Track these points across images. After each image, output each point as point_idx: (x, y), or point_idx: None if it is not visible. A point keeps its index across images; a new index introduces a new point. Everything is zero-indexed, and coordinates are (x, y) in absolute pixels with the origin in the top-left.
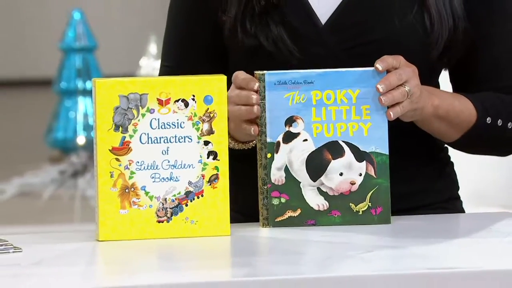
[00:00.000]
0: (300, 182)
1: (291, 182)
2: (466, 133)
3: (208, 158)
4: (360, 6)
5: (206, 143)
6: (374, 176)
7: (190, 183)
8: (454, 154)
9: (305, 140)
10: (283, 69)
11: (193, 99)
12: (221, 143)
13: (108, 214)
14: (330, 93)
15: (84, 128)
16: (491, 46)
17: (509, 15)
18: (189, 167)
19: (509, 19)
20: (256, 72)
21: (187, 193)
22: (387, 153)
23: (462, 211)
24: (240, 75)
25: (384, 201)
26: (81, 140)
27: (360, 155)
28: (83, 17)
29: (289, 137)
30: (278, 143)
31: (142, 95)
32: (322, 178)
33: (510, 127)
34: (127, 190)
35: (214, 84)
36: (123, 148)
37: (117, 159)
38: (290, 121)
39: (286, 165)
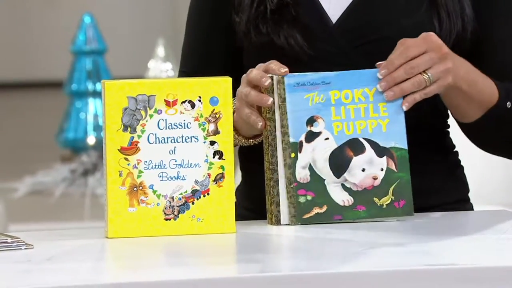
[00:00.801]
0: (325, 180)
1: (316, 179)
2: (486, 114)
3: (214, 157)
4: (369, 6)
5: (212, 143)
6: (395, 170)
7: (196, 182)
8: None
9: (327, 138)
10: (294, 65)
11: (200, 100)
12: (227, 143)
13: (117, 212)
14: (347, 93)
15: (94, 128)
16: (500, 49)
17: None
18: (196, 166)
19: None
20: (275, 76)
21: (194, 192)
22: (406, 147)
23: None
24: (251, 72)
25: (406, 194)
26: (91, 140)
27: (380, 151)
28: (93, 21)
29: (311, 136)
30: (301, 142)
31: (150, 96)
32: (345, 175)
33: None
34: (135, 189)
35: (219, 86)
36: (131, 148)
37: (126, 159)
38: (311, 121)
39: (310, 164)
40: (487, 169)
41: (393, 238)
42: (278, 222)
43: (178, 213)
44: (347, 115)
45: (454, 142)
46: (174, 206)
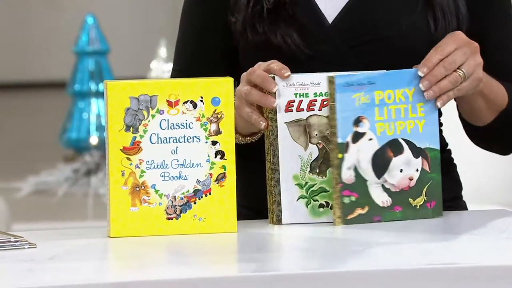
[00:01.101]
0: (367, 180)
1: (360, 180)
2: (499, 115)
3: (215, 157)
4: (365, 7)
5: (214, 143)
6: (429, 171)
7: (198, 181)
8: (454, 152)
9: (371, 139)
10: (291, 64)
11: (201, 101)
12: (228, 143)
13: (119, 211)
14: (390, 93)
15: (96, 128)
16: (498, 49)
17: (507, 18)
18: (197, 166)
19: (508, 22)
20: (327, 75)
21: (196, 191)
22: (439, 148)
23: (466, 210)
24: (256, 70)
25: (437, 194)
26: (94, 140)
27: (416, 152)
28: (96, 22)
29: (357, 137)
30: (348, 143)
31: (152, 96)
32: (386, 175)
33: None
34: (137, 188)
35: (221, 86)
36: (133, 148)
37: (128, 159)
38: (357, 121)
39: (355, 165)
40: (487, 168)
41: (392, 237)
42: (279, 222)
43: (180, 213)
44: (389, 116)
45: (450, 141)
46: (176, 205)
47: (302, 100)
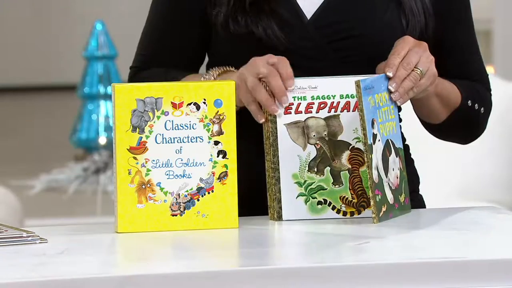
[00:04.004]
0: (383, 179)
1: (380, 179)
2: (452, 113)
3: (218, 156)
4: (342, 4)
5: (216, 143)
6: (402, 169)
7: (201, 179)
8: (444, 150)
9: (379, 140)
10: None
11: (204, 103)
12: (230, 143)
13: (126, 208)
14: (381, 96)
15: (105, 129)
16: (458, 49)
17: (468, 20)
18: (201, 165)
19: (469, 25)
20: (354, 79)
21: (199, 189)
22: (402, 146)
23: (423, 205)
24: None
25: (407, 190)
26: (102, 140)
27: (396, 151)
28: (105, 27)
29: (374, 138)
30: (371, 145)
31: (157, 99)
32: (388, 174)
33: (482, 111)
34: (143, 186)
35: (223, 89)
36: (140, 148)
37: (135, 158)
38: (372, 123)
39: (377, 165)
40: (476, 166)
41: (387, 233)
42: (280, 218)
43: (184, 209)
44: (382, 118)
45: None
46: (180, 202)
47: (300, 103)
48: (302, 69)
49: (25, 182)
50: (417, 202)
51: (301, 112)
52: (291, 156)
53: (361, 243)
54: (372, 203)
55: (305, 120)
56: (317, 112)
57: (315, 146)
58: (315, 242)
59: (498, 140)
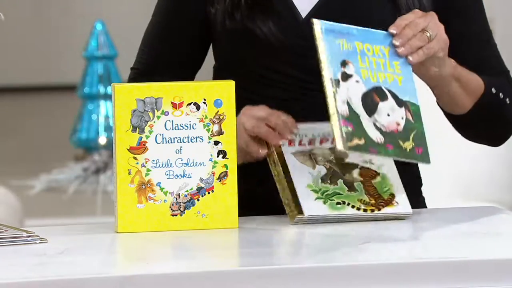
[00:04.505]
0: (360, 115)
1: (353, 114)
2: (477, 101)
3: (218, 156)
4: (337, 2)
5: (216, 143)
6: (412, 121)
7: (201, 179)
8: (444, 150)
9: (357, 81)
10: (267, 52)
11: (204, 103)
12: (230, 143)
13: (126, 208)
14: (368, 46)
15: (105, 129)
16: (464, 45)
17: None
18: (201, 165)
19: (475, 19)
20: (312, 19)
21: (199, 189)
22: (419, 104)
23: (425, 206)
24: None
25: (423, 142)
26: (102, 140)
27: (399, 102)
28: (105, 28)
29: (345, 77)
30: (338, 80)
31: (157, 99)
32: (375, 116)
33: (508, 102)
34: (143, 186)
35: (223, 89)
36: (140, 148)
37: (135, 158)
38: (344, 63)
39: (347, 100)
40: (476, 166)
41: (388, 233)
42: (301, 213)
43: (184, 209)
44: (370, 65)
45: (439, 138)
46: (180, 202)
47: (302, 140)
48: (297, 67)
49: (25, 182)
50: (417, 205)
51: (304, 145)
52: (301, 173)
53: (361, 243)
54: (334, 133)
55: (309, 150)
56: (320, 144)
57: (324, 166)
58: (315, 242)
59: None
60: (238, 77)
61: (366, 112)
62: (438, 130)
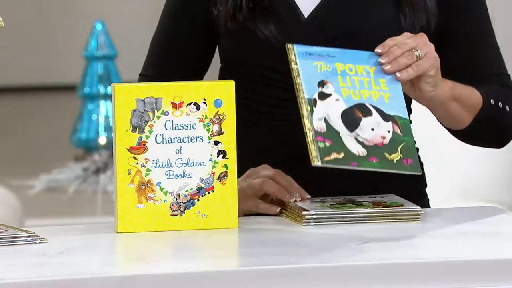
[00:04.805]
0: (339, 132)
1: (332, 130)
2: (477, 116)
3: (218, 156)
4: (340, 2)
5: (216, 143)
6: (401, 134)
7: (201, 179)
8: (444, 150)
9: (337, 99)
10: (268, 53)
11: (204, 103)
12: (230, 143)
13: (126, 208)
14: (351, 66)
15: (105, 129)
16: (464, 46)
17: (477, 16)
18: (201, 165)
19: (478, 19)
20: (287, 44)
21: (199, 189)
22: (408, 118)
23: (429, 207)
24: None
25: (413, 154)
26: (102, 140)
27: (385, 117)
28: (105, 28)
29: (323, 95)
30: (315, 100)
31: (157, 99)
32: (358, 131)
33: (508, 110)
34: (143, 186)
35: (223, 89)
36: (140, 148)
37: (135, 158)
38: (321, 83)
39: (325, 117)
40: (476, 166)
41: (388, 233)
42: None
43: (184, 209)
44: (352, 84)
45: (439, 138)
46: (180, 202)
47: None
48: None
49: (25, 182)
50: (423, 204)
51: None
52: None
53: (361, 243)
54: (310, 148)
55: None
56: None
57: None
58: (315, 242)
59: None
60: (239, 77)
61: (347, 128)
62: (438, 130)
